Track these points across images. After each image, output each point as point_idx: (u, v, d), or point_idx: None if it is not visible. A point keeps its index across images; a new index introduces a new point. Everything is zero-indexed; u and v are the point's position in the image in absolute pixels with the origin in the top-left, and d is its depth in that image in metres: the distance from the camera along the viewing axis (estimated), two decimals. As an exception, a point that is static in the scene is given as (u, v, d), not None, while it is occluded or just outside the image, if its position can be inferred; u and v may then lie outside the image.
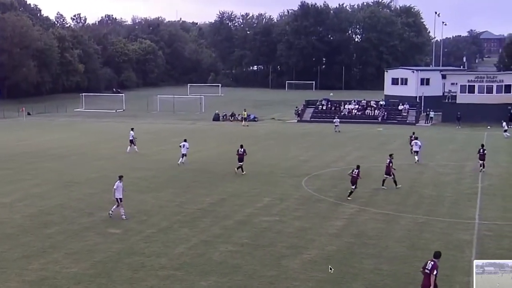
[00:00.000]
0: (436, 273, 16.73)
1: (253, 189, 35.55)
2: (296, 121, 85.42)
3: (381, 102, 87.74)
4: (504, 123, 66.40)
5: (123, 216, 27.67)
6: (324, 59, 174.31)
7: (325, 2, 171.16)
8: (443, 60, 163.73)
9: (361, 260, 22.13)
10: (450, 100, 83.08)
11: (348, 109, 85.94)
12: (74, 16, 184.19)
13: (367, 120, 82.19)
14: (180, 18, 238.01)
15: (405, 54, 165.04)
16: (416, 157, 45.66)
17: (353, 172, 33.07)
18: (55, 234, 25.39)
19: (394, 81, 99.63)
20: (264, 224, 27.27)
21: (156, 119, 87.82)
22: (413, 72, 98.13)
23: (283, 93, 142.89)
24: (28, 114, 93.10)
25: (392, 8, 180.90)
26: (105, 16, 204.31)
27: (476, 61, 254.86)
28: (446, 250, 21.47)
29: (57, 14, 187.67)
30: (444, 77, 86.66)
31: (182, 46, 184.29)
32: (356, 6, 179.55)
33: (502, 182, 37.72)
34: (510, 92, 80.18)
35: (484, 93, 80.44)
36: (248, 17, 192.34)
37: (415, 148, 46.38)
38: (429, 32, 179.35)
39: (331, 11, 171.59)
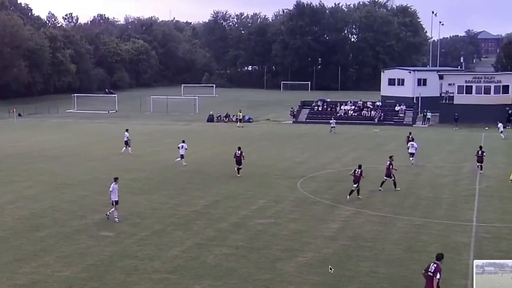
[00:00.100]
0: (439, 277, 16.75)
1: (248, 191, 35.56)
2: (291, 122, 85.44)
3: (378, 103, 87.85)
4: (500, 124, 66.55)
5: (116, 219, 27.64)
6: (319, 59, 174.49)
7: (320, 1, 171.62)
8: (440, 60, 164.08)
9: (357, 263, 22.17)
10: (447, 101, 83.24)
11: (344, 110, 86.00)
12: (66, 15, 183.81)
13: (364, 121, 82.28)
14: (174, 18, 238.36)
15: (401, 54, 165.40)
16: (411, 159, 45.71)
17: (356, 172, 33.24)
18: (47, 237, 25.34)
19: (391, 82, 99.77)
20: (259, 226, 27.28)
21: (149, 120, 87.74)
22: (410, 72, 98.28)
23: (278, 93, 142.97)
24: (19, 115, 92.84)
25: (389, 8, 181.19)
26: (98, 16, 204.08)
27: (474, 61, 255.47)
28: (444, 253, 21.44)
29: (49, 13, 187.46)
30: (441, 77, 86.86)
31: (175, 46, 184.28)
32: (352, 5, 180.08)
33: (500, 184, 37.80)
34: (508, 93, 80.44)
35: (481, 93, 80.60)
36: (242, 16, 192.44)
37: (411, 150, 46.41)
38: (426, 32, 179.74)
39: (327, 11, 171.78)
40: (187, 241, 24.91)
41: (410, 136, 51.29)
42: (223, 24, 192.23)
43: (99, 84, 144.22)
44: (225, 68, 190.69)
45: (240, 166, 40.46)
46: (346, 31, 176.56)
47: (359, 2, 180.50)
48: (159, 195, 34.03)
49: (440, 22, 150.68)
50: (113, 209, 27.92)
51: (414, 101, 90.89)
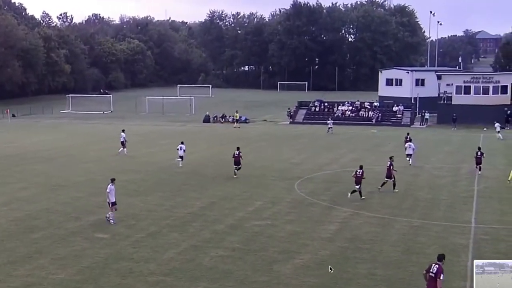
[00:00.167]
0: (443, 277, 16.83)
1: (244, 192, 35.56)
2: (288, 122, 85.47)
3: (375, 103, 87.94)
4: (497, 125, 66.61)
5: (112, 221, 27.62)
6: (317, 59, 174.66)
7: (317, 1, 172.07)
8: (439, 60, 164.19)
9: (355, 265, 22.18)
10: (445, 101, 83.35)
11: (342, 110, 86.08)
12: (60, 15, 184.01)
13: (361, 121, 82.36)
14: (170, 18, 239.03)
15: (399, 54, 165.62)
16: (408, 159, 45.76)
17: (357, 173, 33.35)
18: (41, 239, 25.30)
19: (389, 82, 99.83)
20: (255, 228, 27.27)
21: (144, 120, 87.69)
22: (408, 72, 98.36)
23: (275, 94, 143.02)
24: (13, 115, 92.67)
25: (386, 7, 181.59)
26: (92, 15, 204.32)
27: (472, 62, 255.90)
28: (442, 255, 21.53)
29: (43, 13, 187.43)
30: (439, 77, 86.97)
31: (171, 46, 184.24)
32: (349, 5, 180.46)
33: (499, 185, 37.86)
34: (506, 93, 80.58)
35: (480, 94, 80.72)
36: (239, 16, 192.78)
37: (408, 151, 46.50)
38: (424, 31, 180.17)
39: (324, 10, 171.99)
40: (183, 243, 24.90)
41: (408, 137, 51.35)
42: (220, 24, 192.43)
43: (94, 85, 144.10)
44: (221, 68, 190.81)
45: (239, 166, 40.55)
46: (343, 31, 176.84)
47: (357, 1, 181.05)
48: (154, 197, 34.00)
49: (438, 22, 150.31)
50: (110, 212, 27.88)
51: (412, 101, 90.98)
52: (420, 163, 46.32)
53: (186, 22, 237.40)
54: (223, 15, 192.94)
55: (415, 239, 25.63)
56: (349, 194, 33.39)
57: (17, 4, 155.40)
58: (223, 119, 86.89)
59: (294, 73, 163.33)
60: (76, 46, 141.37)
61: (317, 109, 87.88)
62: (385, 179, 35.72)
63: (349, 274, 21.23)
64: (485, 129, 71.89)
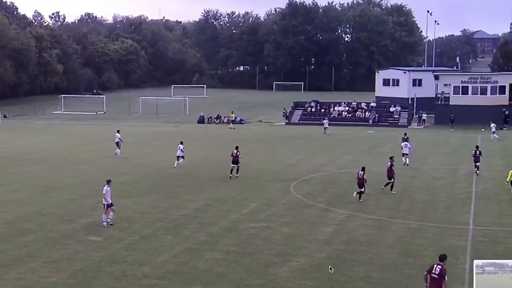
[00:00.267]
0: (446, 278, 16.97)
1: (240, 194, 35.55)
2: (284, 123, 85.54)
3: (372, 104, 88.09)
4: (493, 125, 66.71)
5: (104, 223, 27.58)
6: (313, 59, 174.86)
7: (313, 0, 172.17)
8: (436, 60, 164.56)
9: (351, 268, 22.19)
10: (443, 102, 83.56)
11: (338, 111, 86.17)
12: (53, 14, 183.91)
13: (358, 122, 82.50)
14: (163, 17, 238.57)
15: (396, 54, 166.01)
16: (404, 160, 45.85)
17: (359, 175, 33.55)
18: (33, 242, 25.24)
19: (386, 82, 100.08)
20: (251, 230, 27.27)
21: (138, 121, 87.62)
22: (405, 72, 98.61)
23: (271, 94, 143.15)
24: (4, 116, 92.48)
25: (383, 7, 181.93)
26: (85, 15, 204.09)
27: (470, 62, 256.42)
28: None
29: (35, 12, 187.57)
30: (436, 78, 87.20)
31: (165, 46, 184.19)
32: (346, 4, 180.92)
33: (497, 187, 37.89)
34: (504, 94, 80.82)
35: (478, 94, 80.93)
36: (234, 15, 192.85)
37: (404, 151, 46.67)
38: (421, 31, 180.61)
39: (320, 10, 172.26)
40: (177, 245, 24.88)
41: (405, 137, 51.58)
42: (214, 23, 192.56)
43: (86, 85, 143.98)
44: (216, 68, 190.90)
45: (237, 166, 40.72)
46: (339, 31, 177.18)
47: (353, 1, 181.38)
48: (148, 199, 33.96)
49: (435, 22, 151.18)
50: (111, 213, 27.84)
51: (409, 102, 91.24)
52: (417, 164, 46.39)
53: (180, 22, 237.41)
54: (218, 15, 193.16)
55: (412, 241, 25.65)
56: (355, 193, 33.56)
57: (8, 3, 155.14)
58: (218, 120, 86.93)
59: (289, 73, 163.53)
60: (69, 46, 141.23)
61: (313, 110, 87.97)
62: (388, 180, 35.81)
63: (345, 277, 21.24)
64: (483, 129, 71.99)
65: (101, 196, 28.02)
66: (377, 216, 29.93)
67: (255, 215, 30.20)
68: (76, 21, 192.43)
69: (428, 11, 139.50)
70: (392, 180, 35.68)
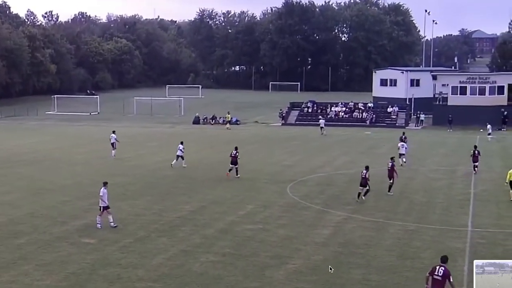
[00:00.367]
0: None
1: (235, 195, 35.54)
2: (280, 124, 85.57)
3: (369, 104, 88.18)
4: (489, 126, 66.71)
5: (98, 225, 27.53)
6: (309, 59, 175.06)
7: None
8: (434, 60, 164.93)
9: (348, 270, 22.18)
10: (441, 102, 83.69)
11: (335, 111, 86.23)
12: (46, 13, 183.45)
13: (355, 123, 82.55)
14: (158, 16, 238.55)
15: (394, 54, 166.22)
16: (401, 160, 45.95)
17: (362, 173, 33.75)
18: (26, 245, 25.18)
19: (383, 82, 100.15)
20: (247, 232, 27.25)
21: (132, 122, 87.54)
22: (403, 72, 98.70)
23: (267, 94, 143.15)
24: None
25: (380, 6, 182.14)
26: (79, 14, 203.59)
27: (468, 61, 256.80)
28: (438, 259, 21.49)
29: (28, 11, 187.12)
30: (434, 78, 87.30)
31: (160, 45, 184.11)
32: (342, 3, 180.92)
33: (496, 188, 37.93)
34: (503, 94, 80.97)
35: (476, 94, 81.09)
36: (229, 15, 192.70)
37: (401, 151, 46.84)
38: (419, 31, 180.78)
39: (317, 9, 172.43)
40: (172, 248, 24.85)
41: (403, 136, 51.68)
42: (210, 22, 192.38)
43: (80, 85, 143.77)
44: (211, 68, 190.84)
45: (236, 166, 40.93)
46: (336, 30, 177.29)
47: (350, 0, 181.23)
48: (142, 201, 33.93)
49: (433, 21, 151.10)
50: (109, 216, 27.75)
51: (407, 102, 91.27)
52: (415, 166, 46.46)
53: (175, 21, 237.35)
54: (213, 14, 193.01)
55: (410, 244, 25.66)
56: (362, 197, 33.73)
57: (0, 2, 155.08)
58: (213, 121, 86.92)
59: (286, 73, 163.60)
60: (62, 45, 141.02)
61: (309, 110, 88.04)
62: (389, 181, 35.87)
63: (342, 280, 21.24)
64: (481, 130, 72.15)
65: (94, 198, 27.99)
66: (374, 218, 29.94)
67: (251, 217, 30.19)
68: (70, 20, 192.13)
69: (426, 11, 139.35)
70: (391, 181, 35.73)
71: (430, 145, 60.64)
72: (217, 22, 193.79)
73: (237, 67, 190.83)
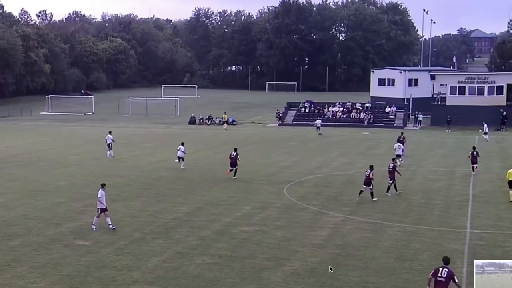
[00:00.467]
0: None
1: (232, 197, 35.52)
2: (277, 124, 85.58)
3: (367, 104, 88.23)
4: (486, 125, 66.73)
5: (94, 227, 27.50)
6: (306, 59, 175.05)
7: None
8: (432, 60, 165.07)
9: (346, 272, 22.19)
10: (439, 102, 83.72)
11: (332, 111, 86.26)
12: (40, 12, 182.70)
13: (353, 123, 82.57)
14: (153, 15, 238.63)
15: (392, 53, 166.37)
16: (398, 161, 46.00)
17: (366, 173, 33.96)
18: (20, 247, 25.14)
19: (381, 82, 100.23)
20: (243, 234, 27.24)
21: (127, 122, 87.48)
22: (401, 72, 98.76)
23: (263, 95, 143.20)
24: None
25: (378, 5, 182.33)
26: (73, 13, 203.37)
27: (467, 61, 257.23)
28: (436, 261, 21.58)
29: (21, 10, 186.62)
30: (433, 77, 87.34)
31: (155, 45, 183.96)
32: (340, 3, 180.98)
33: (495, 189, 37.97)
34: (502, 94, 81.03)
35: (475, 94, 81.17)
36: (226, 14, 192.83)
37: (398, 152, 46.87)
38: (417, 30, 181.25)
39: (314, 8, 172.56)
40: (168, 250, 24.83)
41: (402, 137, 51.74)
42: (206, 22, 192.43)
43: (74, 85, 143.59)
44: (207, 68, 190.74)
45: (236, 168, 40.99)
46: (334, 30, 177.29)
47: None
48: (138, 202, 33.90)
49: (431, 20, 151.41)
50: (108, 218, 27.69)
51: (405, 102, 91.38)
52: (413, 167, 46.48)
53: (171, 20, 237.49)
54: (209, 13, 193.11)
55: (408, 245, 25.67)
56: (357, 196, 34.12)
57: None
58: (210, 121, 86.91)
59: (283, 73, 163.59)
60: (56, 45, 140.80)
61: (307, 111, 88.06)
62: (389, 182, 35.93)
63: (340, 282, 21.24)
64: (480, 130, 72.13)
65: (89, 199, 27.97)
66: (372, 219, 29.95)
67: (247, 219, 30.18)
68: (64, 19, 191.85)
69: (424, 10, 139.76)
70: (391, 182, 35.79)
71: (428, 146, 60.69)
72: (213, 22, 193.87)
73: (234, 67, 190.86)
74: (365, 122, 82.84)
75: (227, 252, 24.53)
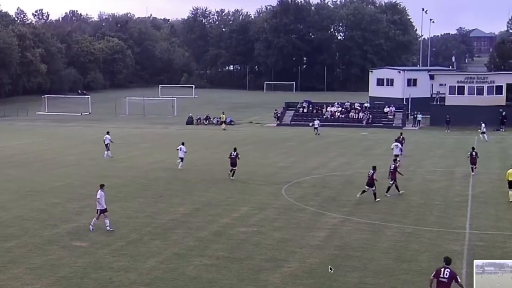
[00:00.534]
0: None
1: (230, 197, 35.51)
2: (275, 124, 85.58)
3: (366, 104, 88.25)
4: (483, 125, 66.74)
5: (91, 228, 27.49)
6: (305, 58, 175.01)
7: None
8: (431, 59, 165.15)
9: (345, 273, 22.19)
10: (438, 102, 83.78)
11: (331, 111, 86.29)
12: (36, 12, 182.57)
13: (351, 123, 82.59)
14: (151, 15, 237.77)
15: (390, 53, 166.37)
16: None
17: (369, 173, 34.01)
18: (16, 248, 25.12)
19: (379, 82, 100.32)
20: (241, 235, 27.24)
21: (124, 123, 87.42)
22: (400, 72, 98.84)
23: (261, 94, 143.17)
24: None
25: (377, 5, 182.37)
26: (69, 12, 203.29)
27: (466, 61, 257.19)
28: (435, 262, 21.60)
29: (17, 9, 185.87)
30: (432, 77, 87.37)
31: (152, 44, 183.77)
32: (338, 2, 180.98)
33: (494, 189, 37.99)
34: (501, 94, 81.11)
35: (474, 94, 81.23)
36: (223, 13, 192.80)
37: (395, 152, 46.90)
38: (416, 30, 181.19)
39: (312, 8, 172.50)
40: (165, 251, 24.82)
41: (401, 137, 51.75)
42: (203, 21, 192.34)
43: (71, 85, 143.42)
44: (205, 68, 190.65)
45: (235, 168, 41.08)
46: (332, 29, 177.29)
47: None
48: (135, 203, 33.89)
49: (430, 20, 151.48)
50: (106, 219, 27.67)
51: (404, 102, 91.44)
52: (412, 167, 46.48)
53: (168, 20, 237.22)
54: (207, 12, 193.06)
55: (407, 246, 25.68)
56: (358, 194, 34.20)
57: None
58: (207, 121, 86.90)
59: (281, 73, 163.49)
60: (53, 44, 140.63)
61: (305, 110, 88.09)
62: (390, 182, 35.96)
63: (338, 283, 21.24)
64: (479, 130, 72.22)
65: (85, 200, 27.96)
66: (371, 220, 29.96)
67: (245, 220, 30.17)
68: (60, 19, 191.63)
69: (423, 9, 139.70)
70: (391, 183, 35.82)
71: (427, 146, 60.72)
72: (210, 21, 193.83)
73: (231, 66, 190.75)
74: (364, 122, 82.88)
75: (225, 253, 24.52)
